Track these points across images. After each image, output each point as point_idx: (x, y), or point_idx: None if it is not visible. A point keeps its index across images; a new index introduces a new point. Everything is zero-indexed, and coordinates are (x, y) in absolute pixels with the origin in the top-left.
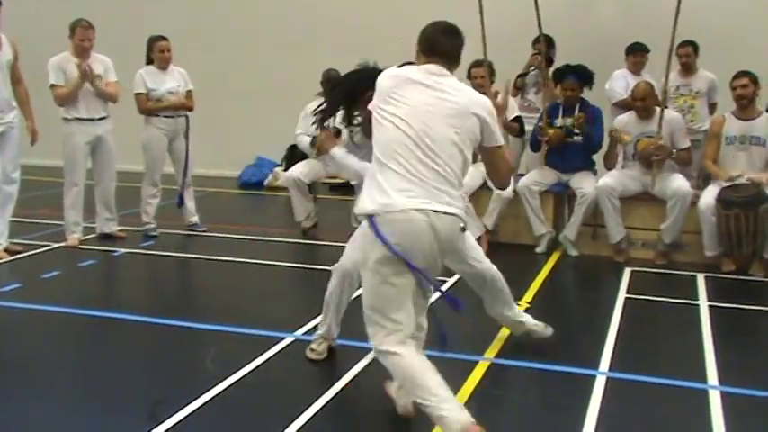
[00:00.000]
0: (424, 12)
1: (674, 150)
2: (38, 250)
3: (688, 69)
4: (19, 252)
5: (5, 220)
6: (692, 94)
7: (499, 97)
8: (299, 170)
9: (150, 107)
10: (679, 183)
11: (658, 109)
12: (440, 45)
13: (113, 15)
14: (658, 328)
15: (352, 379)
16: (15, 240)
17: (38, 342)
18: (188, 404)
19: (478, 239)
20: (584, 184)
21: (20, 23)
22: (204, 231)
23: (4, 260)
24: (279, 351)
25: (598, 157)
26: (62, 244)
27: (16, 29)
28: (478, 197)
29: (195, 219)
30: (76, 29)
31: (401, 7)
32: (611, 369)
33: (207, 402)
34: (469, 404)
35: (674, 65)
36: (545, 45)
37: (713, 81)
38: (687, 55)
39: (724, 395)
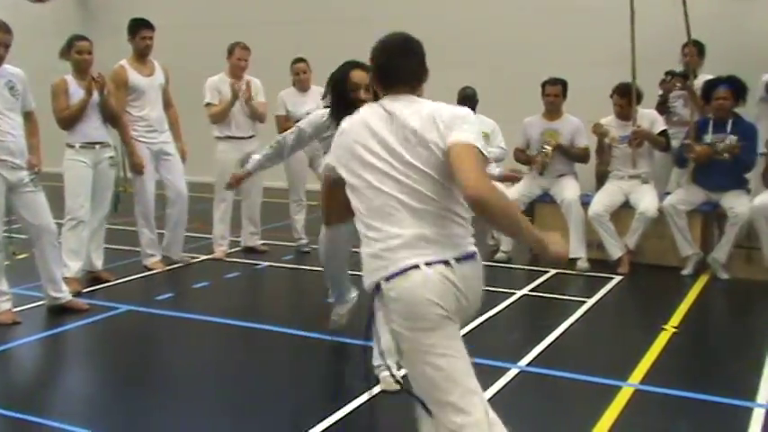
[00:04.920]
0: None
1: None
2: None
3: None
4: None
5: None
6: None
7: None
8: None
9: (288, 127)
10: None
11: None
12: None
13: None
14: None
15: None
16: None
17: (186, 349)
18: (330, 415)
19: (619, 260)
20: (736, 204)
21: (177, 52)
22: None
23: (157, 270)
24: None
25: (755, 174)
26: (210, 256)
27: (172, 57)
28: (620, 216)
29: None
30: (235, 49)
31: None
32: None
33: (348, 414)
34: None
35: None
36: (695, 50)
37: None
38: None
39: None
